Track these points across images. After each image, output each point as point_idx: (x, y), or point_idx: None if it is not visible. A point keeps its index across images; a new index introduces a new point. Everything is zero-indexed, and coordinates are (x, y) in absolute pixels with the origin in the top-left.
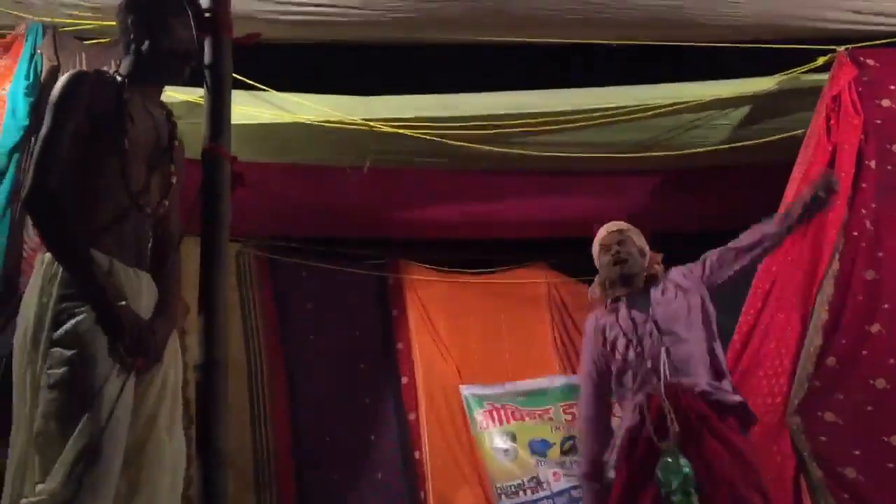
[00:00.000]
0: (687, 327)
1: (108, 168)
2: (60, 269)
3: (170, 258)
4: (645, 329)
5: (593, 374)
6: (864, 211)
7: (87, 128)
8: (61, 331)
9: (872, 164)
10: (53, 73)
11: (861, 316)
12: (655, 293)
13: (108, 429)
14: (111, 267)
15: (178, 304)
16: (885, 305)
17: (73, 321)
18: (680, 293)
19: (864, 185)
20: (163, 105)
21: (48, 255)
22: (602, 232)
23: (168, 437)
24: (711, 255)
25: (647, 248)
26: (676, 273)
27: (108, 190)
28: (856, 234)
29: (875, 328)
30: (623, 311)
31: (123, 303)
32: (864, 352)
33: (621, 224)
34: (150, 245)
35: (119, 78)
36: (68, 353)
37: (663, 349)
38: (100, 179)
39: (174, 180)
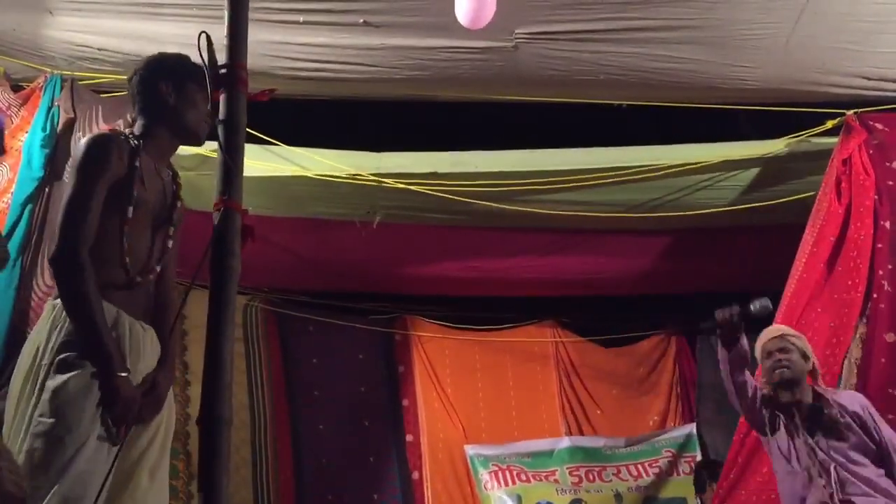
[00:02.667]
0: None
1: (112, 230)
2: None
3: (169, 313)
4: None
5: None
6: (881, 272)
7: (105, 190)
8: (57, 381)
9: (887, 224)
10: (70, 126)
11: (885, 380)
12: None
13: (83, 491)
14: (118, 318)
15: (175, 358)
16: None
17: (69, 374)
18: None
19: (879, 245)
20: (170, 166)
21: (59, 302)
22: (764, 336)
23: (150, 481)
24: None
25: (810, 351)
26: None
27: (111, 250)
28: (875, 295)
29: None
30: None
31: (124, 374)
32: (891, 416)
33: (783, 328)
34: (151, 300)
35: (134, 142)
36: (57, 405)
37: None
38: (104, 241)
39: (171, 244)
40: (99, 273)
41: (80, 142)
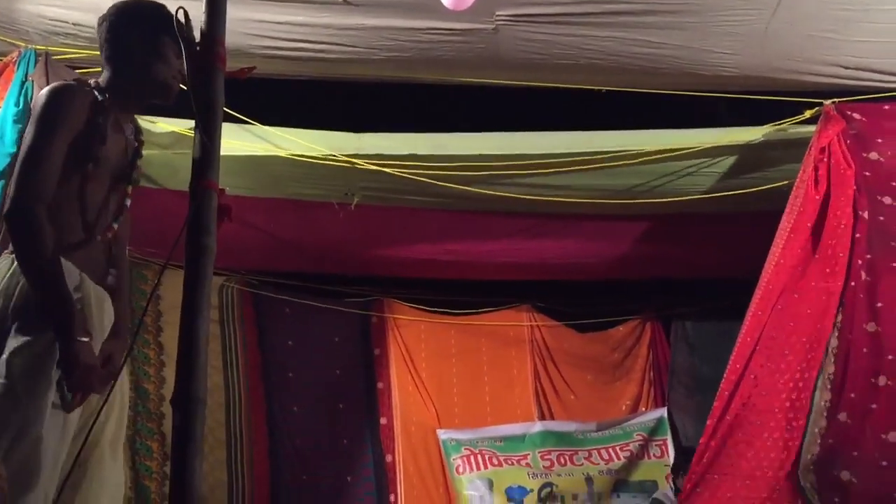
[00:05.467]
0: None
1: (71, 187)
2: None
3: (124, 279)
4: None
5: None
6: (860, 261)
7: (66, 144)
8: (18, 341)
9: (865, 214)
10: None
11: (866, 369)
12: None
13: (37, 457)
14: (81, 282)
15: (128, 327)
16: (889, 357)
17: (29, 336)
18: None
19: (858, 235)
20: (134, 121)
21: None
22: None
23: (111, 457)
24: None
25: None
26: None
27: (71, 209)
28: (853, 284)
29: (882, 381)
30: None
31: (85, 339)
32: (874, 405)
33: None
34: (106, 263)
35: (99, 96)
36: (15, 367)
37: None
38: (63, 198)
39: (128, 203)
40: (57, 231)
41: (41, 91)
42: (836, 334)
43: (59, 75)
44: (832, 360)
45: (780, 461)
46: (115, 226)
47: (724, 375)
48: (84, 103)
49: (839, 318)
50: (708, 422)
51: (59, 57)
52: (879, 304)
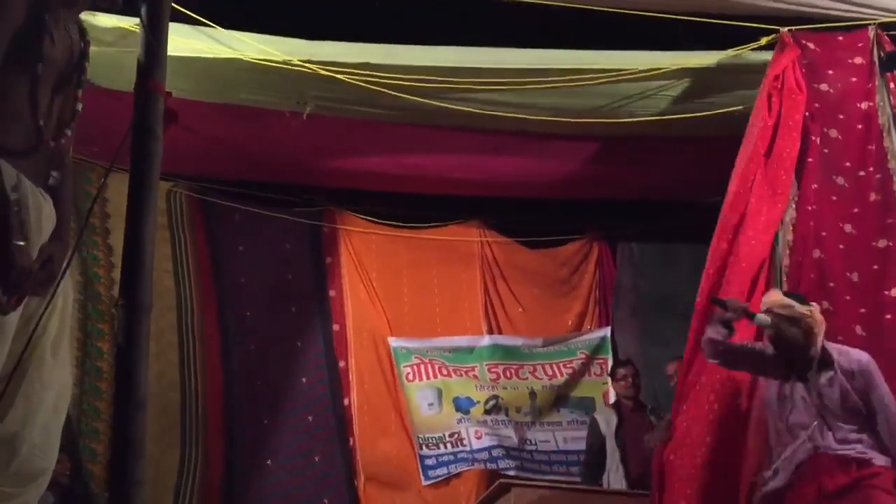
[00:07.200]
0: None
1: (17, 90)
2: None
3: (67, 183)
4: None
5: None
6: (814, 186)
7: (6, 37)
8: None
9: (818, 140)
10: None
11: (813, 293)
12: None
13: None
14: (19, 183)
15: (70, 229)
16: (831, 284)
17: None
18: None
19: (810, 160)
20: (79, 21)
21: None
22: (767, 296)
23: (53, 358)
24: None
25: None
26: None
27: (15, 113)
28: (810, 209)
29: (825, 305)
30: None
31: (21, 243)
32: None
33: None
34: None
35: None
36: None
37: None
38: (7, 100)
39: (79, 107)
40: (2, 133)
41: None
42: (788, 254)
43: None
44: (783, 280)
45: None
46: (69, 132)
47: (694, 307)
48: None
49: (790, 238)
50: (677, 388)
51: None
52: (824, 234)
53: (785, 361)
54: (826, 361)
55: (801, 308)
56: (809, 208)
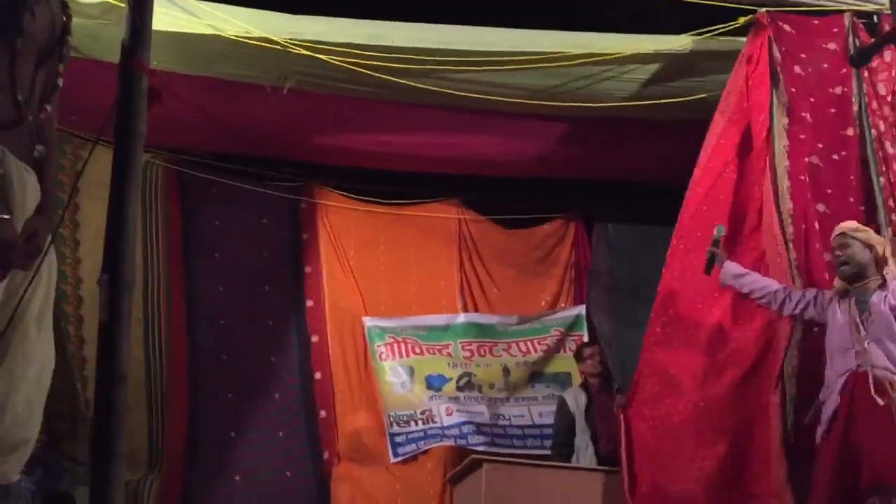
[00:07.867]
0: None
1: None
2: None
3: (51, 157)
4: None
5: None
6: (806, 160)
7: None
8: None
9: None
10: None
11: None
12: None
13: None
14: (3, 157)
15: (54, 204)
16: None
17: None
18: None
19: (802, 136)
20: None
21: None
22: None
23: (37, 331)
24: None
25: (874, 241)
26: None
27: None
28: (802, 178)
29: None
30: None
31: (6, 216)
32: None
33: (845, 226)
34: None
35: None
36: None
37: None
38: None
39: (60, 82)
40: None
41: None
42: (791, 222)
43: None
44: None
45: None
46: (49, 107)
47: (662, 274)
48: None
49: (790, 206)
50: (641, 355)
51: None
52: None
53: (847, 284)
54: (883, 285)
55: (875, 235)
56: (804, 177)
